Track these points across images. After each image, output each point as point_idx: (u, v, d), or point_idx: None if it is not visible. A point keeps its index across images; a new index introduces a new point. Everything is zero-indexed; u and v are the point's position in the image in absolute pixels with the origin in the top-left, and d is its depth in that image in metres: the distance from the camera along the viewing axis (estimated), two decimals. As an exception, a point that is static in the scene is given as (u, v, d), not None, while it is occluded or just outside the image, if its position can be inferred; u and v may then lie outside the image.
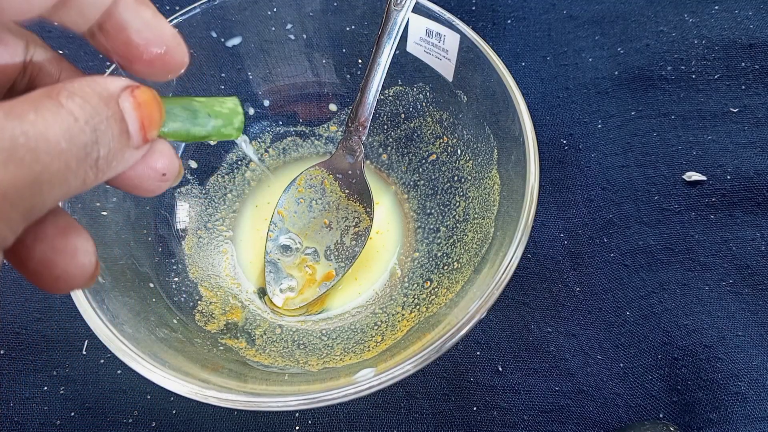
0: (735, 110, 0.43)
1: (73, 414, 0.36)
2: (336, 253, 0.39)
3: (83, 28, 0.18)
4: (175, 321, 0.34)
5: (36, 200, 0.14)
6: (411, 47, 0.38)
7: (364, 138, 0.37)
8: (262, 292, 0.39)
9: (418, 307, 0.35)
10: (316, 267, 0.39)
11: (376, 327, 0.36)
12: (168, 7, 0.50)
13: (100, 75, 0.18)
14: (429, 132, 0.41)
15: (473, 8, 0.50)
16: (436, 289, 0.36)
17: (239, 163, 0.43)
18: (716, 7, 0.47)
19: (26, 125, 0.14)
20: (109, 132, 0.16)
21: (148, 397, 0.36)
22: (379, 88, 0.36)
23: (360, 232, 0.39)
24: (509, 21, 0.49)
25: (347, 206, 0.39)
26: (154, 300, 0.34)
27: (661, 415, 0.35)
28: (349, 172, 0.39)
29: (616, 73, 0.46)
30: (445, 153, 0.40)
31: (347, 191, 0.39)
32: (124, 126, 0.17)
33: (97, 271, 0.19)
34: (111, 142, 0.16)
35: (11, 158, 0.13)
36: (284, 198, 0.40)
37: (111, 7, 0.18)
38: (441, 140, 0.40)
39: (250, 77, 0.42)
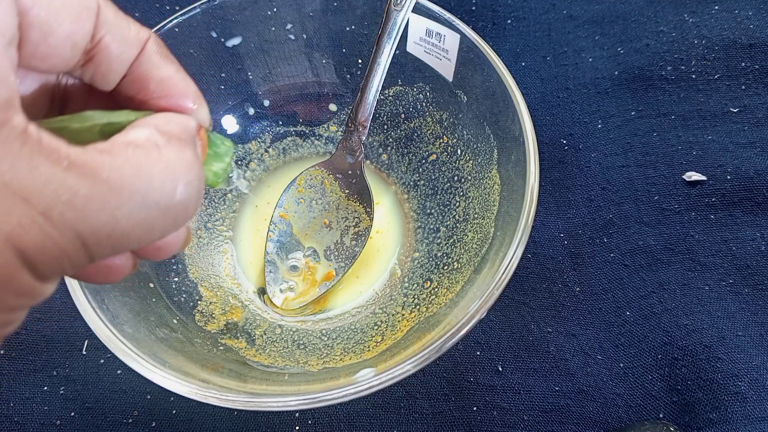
0: (735, 110, 0.43)
1: (73, 414, 0.36)
2: (336, 253, 0.39)
3: (110, 85, 0.18)
4: (175, 321, 0.34)
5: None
6: (411, 47, 0.38)
7: (364, 138, 0.37)
8: (262, 292, 0.39)
9: (418, 307, 0.35)
10: (316, 267, 0.39)
11: (376, 327, 0.36)
12: (168, 7, 0.50)
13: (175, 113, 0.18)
14: (429, 132, 0.41)
15: (473, 8, 0.50)
16: (436, 289, 0.35)
17: (239, 163, 0.43)
18: (716, 7, 0.47)
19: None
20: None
21: (148, 397, 0.36)
22: (380, 88, 0.36)
23: (360, 232, 0.39)
24: (509, 21, 0.49)
25: (347, 206, 0.39)
26: (154, 300, 0.34)
27: (661, 415, 0.35)
28: (349, 172, 0.39)
29: (616, 73, 0.46)
30: (445, 153, 0.40)
31: (347, 191, 0.39)
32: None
33: (190, 237, 0.20)
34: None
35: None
36: (284, 198, 0.40)
37: (135, 61, 0.18)
38: (441, 140, 0.40)
39: (250, 77, 0.42)
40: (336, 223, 0.39)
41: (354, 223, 0.39)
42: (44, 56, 0.16)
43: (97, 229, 0.14)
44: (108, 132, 0.17)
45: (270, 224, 0.39)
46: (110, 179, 0.14)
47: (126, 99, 0.19)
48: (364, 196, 0.39)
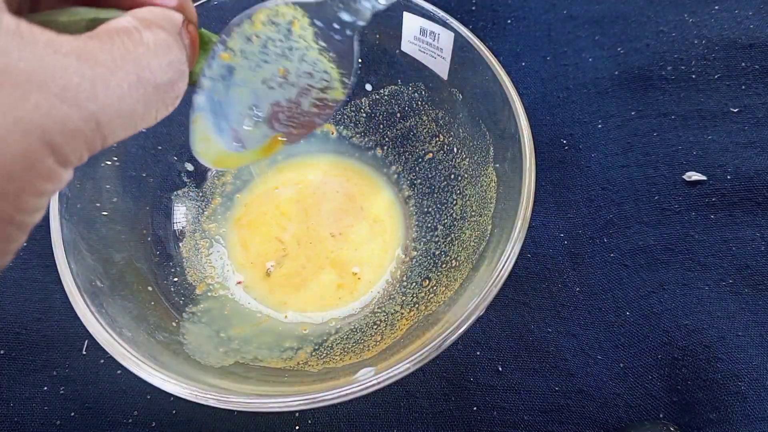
0: (735, 110, 0.43)
1: (73, 414, 0.36)
2: (287, 114, 0.28)
3: None
4: (173, 324, 0.34)
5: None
6: (405, 46, 0.38)
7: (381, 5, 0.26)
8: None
9: (416, 305, 0.35)
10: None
11: (375, 326, 0.36)
12: (168, 9, 0.51)
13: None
14: (425, 131, 0.41)
15: (473, 8, 0.50)
16: (435, 288, 0.35)
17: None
18: (716, 7, 0.47)
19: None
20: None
21: (148, 397, 0.36)
22: None
23: (326, 101, 0.28)
24: (509, 21, 0.50)
25: (317, 61, 0.27)
26: (152, 303, 0.34)
27: (661, 415, 0.35)
28: (335, 26, 0.27)
29: (616, 73, 0.46)
30: (442, 151, 0.40)
31: (323, 45, 0.27)
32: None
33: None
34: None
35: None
36: (231, 32, 0.25)
37: None
38: (437, 139, 0.40)
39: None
40: (296, 76, 0.27)
41: (321, 86, 0.28)
42: None
43: (107, 107, 0.15)
44: (93, 27, 0.18)
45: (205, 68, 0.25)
46: (106, 61, 0.16)
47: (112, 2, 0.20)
48: (344, 62, 0.27)
